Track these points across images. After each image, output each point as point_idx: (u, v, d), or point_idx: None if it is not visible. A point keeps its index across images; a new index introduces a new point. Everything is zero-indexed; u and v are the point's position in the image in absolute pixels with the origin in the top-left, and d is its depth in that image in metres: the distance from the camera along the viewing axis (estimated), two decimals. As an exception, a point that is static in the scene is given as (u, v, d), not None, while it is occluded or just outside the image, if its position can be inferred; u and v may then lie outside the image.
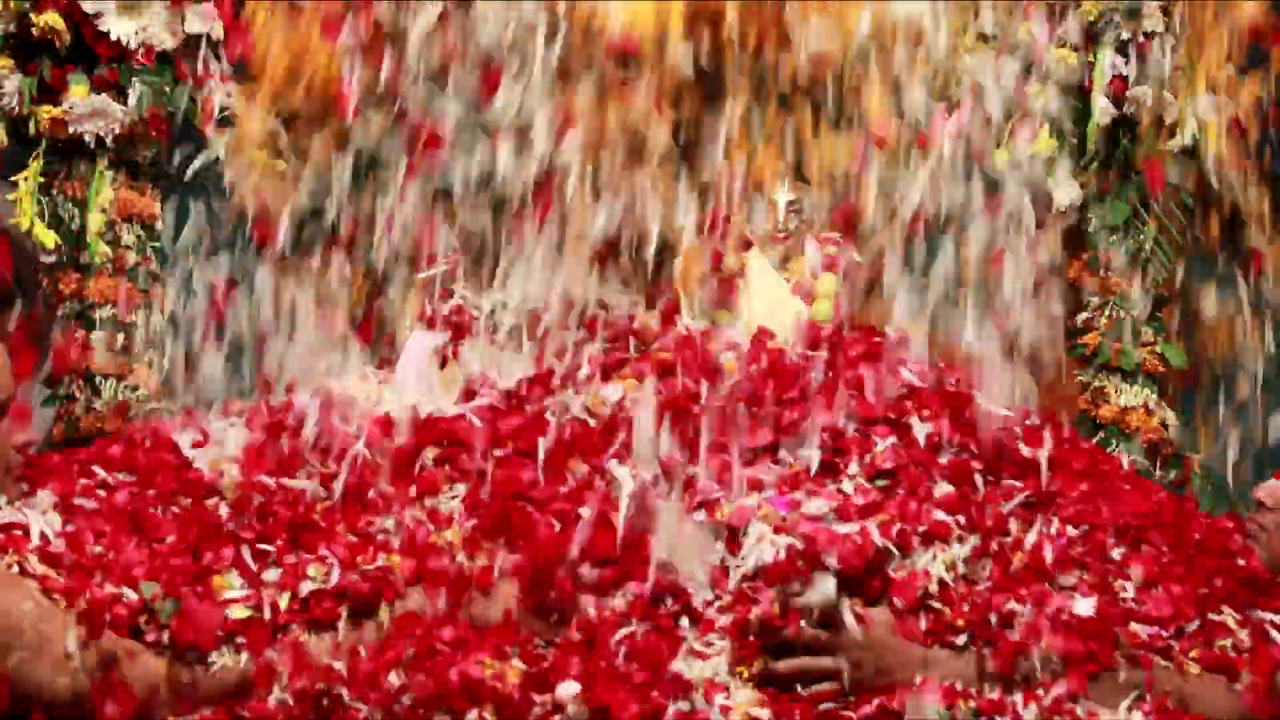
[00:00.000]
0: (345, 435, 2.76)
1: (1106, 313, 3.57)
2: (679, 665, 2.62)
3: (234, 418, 2.92)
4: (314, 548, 2.64)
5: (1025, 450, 2.85)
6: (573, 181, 3.26)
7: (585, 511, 2.67)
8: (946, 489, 2.77)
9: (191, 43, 3.67)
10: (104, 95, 3.60)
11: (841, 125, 3.61)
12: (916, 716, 2.59)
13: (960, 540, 2.74)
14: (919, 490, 2.76)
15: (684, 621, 2.70)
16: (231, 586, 2.61)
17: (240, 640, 2.56)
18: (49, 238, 3.53)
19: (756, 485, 2.74)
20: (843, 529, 2.66)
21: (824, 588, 2.65)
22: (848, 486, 2.73)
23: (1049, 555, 2.75)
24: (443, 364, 3.29)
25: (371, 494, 2.74)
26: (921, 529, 2.72)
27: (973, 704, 2.61)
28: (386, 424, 2.80)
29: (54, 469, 2.78)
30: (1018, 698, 2.63)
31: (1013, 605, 2.70)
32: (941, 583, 2.71)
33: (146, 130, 3.63)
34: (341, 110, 3.44)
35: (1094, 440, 3.42)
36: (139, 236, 3.63)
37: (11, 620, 2.48)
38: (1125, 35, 3.55)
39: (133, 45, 3.61)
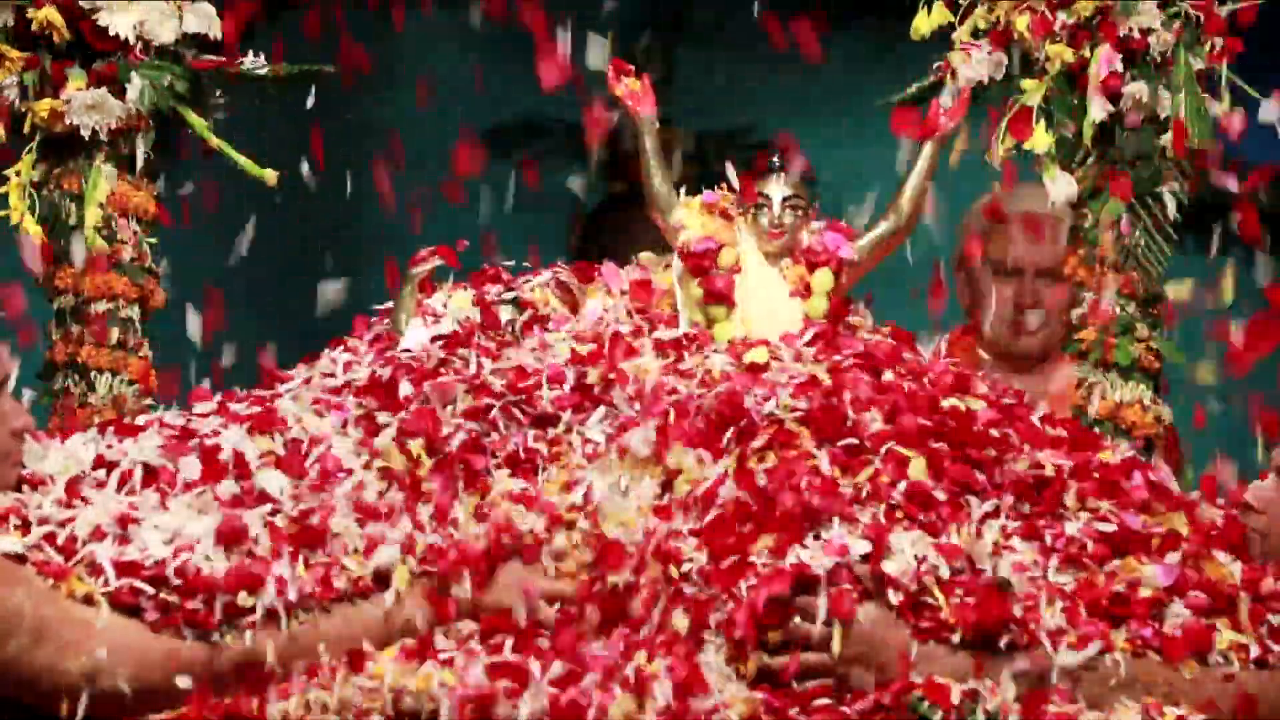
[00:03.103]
0: None
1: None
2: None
3: None
4: None
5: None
6: None
7: None
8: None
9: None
10: (102, 89, 3.60)
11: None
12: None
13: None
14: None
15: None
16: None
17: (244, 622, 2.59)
18: (36, 231, 3.53)
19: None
20: None
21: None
22: None
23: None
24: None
25: None
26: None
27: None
28: None
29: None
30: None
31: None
32: (937, 578, 2.73)
33: (144, 125, 3.64)
34: None
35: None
36: (135, 231, 3.64)
37: (10, 607, 2.49)
38: (1121, 31, 3.55)
39: (131, 40, 3.61)
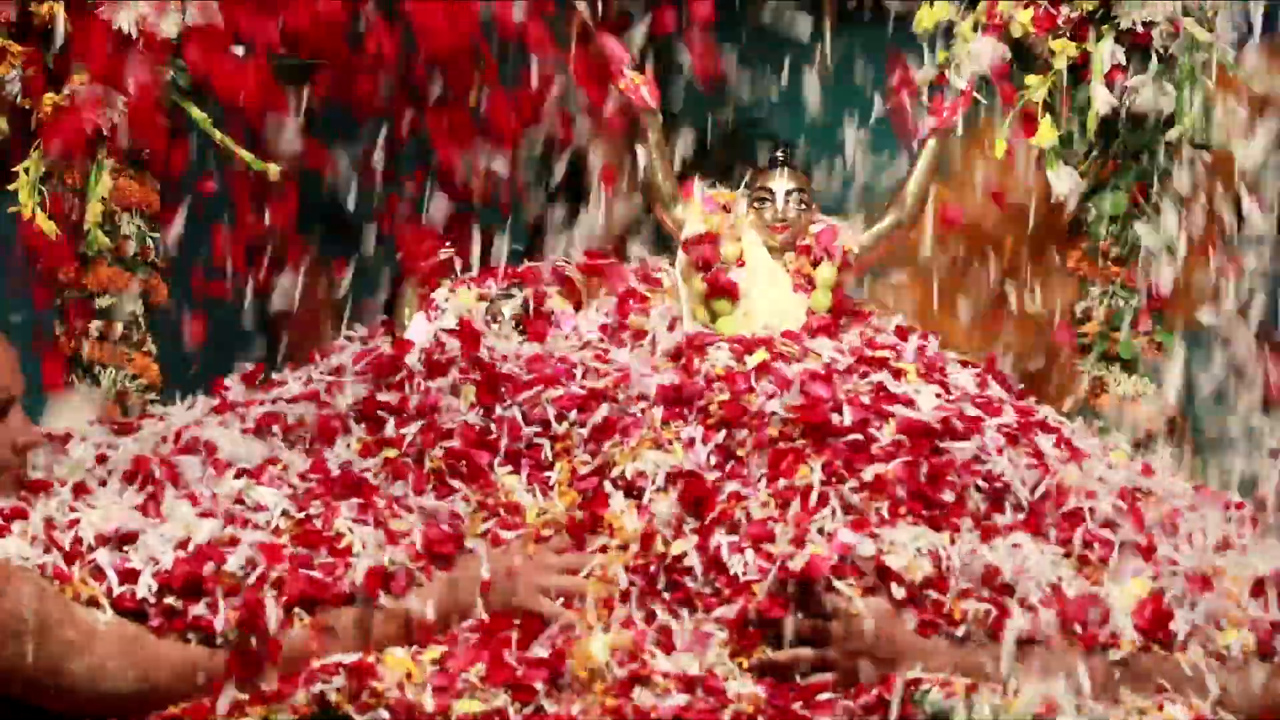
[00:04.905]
0: None
1: (1105, 302, 3.58)
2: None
3: None
4: None
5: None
6: None
7: None
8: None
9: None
10: (105, 84, 3.59)
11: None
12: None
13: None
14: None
15: (684, 611, 2.73)
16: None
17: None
18: (50, 227, 3.53)
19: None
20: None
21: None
22: None
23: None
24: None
25: None
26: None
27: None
28: None
29: None
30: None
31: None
32: (938, 573, 2.73)
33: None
34: None
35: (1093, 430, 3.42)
36: (138, 226, 3.63)
37: (15, 607, 2.49)
38: (1124, 24, 3.56)
39: (133, 34, 3.60)
